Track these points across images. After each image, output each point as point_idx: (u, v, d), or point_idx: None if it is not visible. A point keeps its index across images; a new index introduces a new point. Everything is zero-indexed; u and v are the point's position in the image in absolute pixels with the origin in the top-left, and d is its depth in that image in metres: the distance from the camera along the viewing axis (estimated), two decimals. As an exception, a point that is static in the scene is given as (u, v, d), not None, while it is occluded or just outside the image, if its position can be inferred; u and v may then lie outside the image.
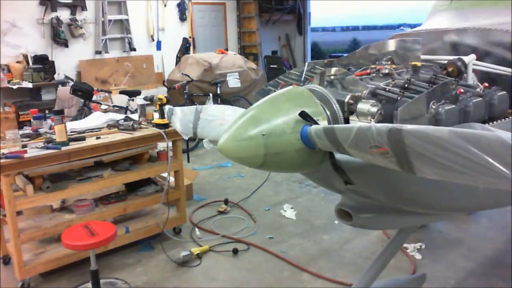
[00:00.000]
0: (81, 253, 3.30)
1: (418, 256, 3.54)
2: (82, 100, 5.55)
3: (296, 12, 12.06)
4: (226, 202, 4.70)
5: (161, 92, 6.43)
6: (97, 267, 2.89)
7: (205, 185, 5.33)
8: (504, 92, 2.23)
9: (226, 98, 7.29)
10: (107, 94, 6.44)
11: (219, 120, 2.37)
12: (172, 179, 4.00)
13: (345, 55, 2.54)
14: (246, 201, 4.79)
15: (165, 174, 3.83)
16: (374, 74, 2.17)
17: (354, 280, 2.79)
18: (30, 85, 7.00)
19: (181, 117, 2.65)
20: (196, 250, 3.65)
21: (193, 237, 4.02)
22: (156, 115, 3.74)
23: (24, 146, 3.18)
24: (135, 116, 3.92)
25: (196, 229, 4.14)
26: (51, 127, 3.49)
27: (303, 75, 2.34)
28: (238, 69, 7.85)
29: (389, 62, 2.44)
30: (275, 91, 2.09)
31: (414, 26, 3.05)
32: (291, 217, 4.40)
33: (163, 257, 3.68)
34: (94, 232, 2.76)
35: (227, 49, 9.17)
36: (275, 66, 10.88)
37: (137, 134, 3.59)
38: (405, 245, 3.67)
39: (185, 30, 9.79)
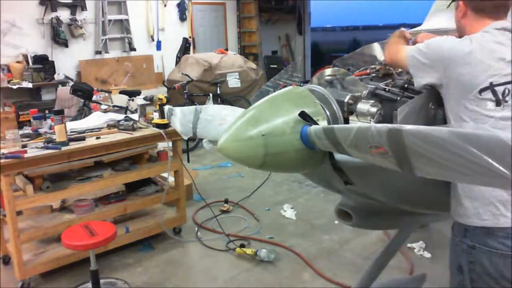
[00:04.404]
0: (81, 253, 3.30)
1: (427, 255, 3.54)
2: (82, 100, 5.55)
3: (296, 12, 12.06)
4: (226, 202, 4.70)
5: (161, 92, 6.42)
6: (97, 267, 2.89)
7: (205, 185, 5.32)
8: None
9: (226, 98, 7.28)
10: (107, 94, 6.44)
11: (219, 120, 2.36)
12: (172, 179, 4.00)
13: (345, 55, 2.53)
14: (246, 201, 4.79)
15: (165, 174, 3.83)
16: (374, 74, 2.17)
17: (354, 280, 2.79)
18: (30, 85, 7.00)
19: (180, 117, 2.65)
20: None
21: (198, 236, 4.02)
22: (156, 115, 3.74)
23: (24, 146, 3.18)
24: (135, 116, 3.92)
25: (196, 229, 4.14)
26: (51, 127, 3.49)
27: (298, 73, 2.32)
28: (238, 69, 7.84)
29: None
30: (274, 91, 2.08)
31: (414, 26, 3.04)
32: (291, 217, 4.40)
33: (163, 257, 3.68)
34: (94, 232, 2.76)
35: (227, 49, 9.16)
36: (275, 66, 10.88)
37: (137, 134, 3.59)
38: (409, 245, 3.67)
39: (185, 30, 9.78)
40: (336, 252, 3.72)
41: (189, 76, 6.87)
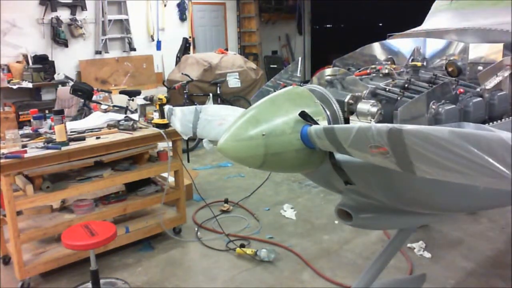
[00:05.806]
0: (81, 253, 3.30)
1: (427, 255, 3.54)
2: (82, 100, 5.55)
3: (296, 12, 12.07)
4: (226, 202, 4.69)
5: (161, 92, 6.43)
6: (97, 267, 2.89)
7: (205, 185, 5.32)
8: (504, 92, 2.22)
9: (226, 98, 7.29)
10: (107, 94, 6.44)
11: (219, 120, 2.36)
12: (172, 179, 4.00)
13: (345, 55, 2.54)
14: (246, 201, 4.79)
15: (165, 174, 3.83)
16: (374, 74, 2.17)
17: (354, 280, 2.79)
18: (30, 85, 7.00)
19: (180, 117, 2.65)
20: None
21: (197, 236, 4.02)
22: (156, 115, 3.74)
23: (24, 146, 3.18)
24: (135, 116, 3.92)
25: (196, 229, 4.13)
26: (51, 127, 3.49)
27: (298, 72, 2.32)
28: (238, 69, 7.84)
29: (389, 62, 2.44)
30: (274, 91, 2.08)
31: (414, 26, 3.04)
32: (291, 217, 4.40)
33: (163, 257, 3.68)
34: (94, 232, 2.76)
35: (227, 49, 9.16)
36: (275, 66, 10.88)
37: (137, 134, 3.59)
38: (409, 245, 3.67)
39: (185, 30, 9.78)
40: (336, 252, 3.72)
41: (189, 76, 6.87)
